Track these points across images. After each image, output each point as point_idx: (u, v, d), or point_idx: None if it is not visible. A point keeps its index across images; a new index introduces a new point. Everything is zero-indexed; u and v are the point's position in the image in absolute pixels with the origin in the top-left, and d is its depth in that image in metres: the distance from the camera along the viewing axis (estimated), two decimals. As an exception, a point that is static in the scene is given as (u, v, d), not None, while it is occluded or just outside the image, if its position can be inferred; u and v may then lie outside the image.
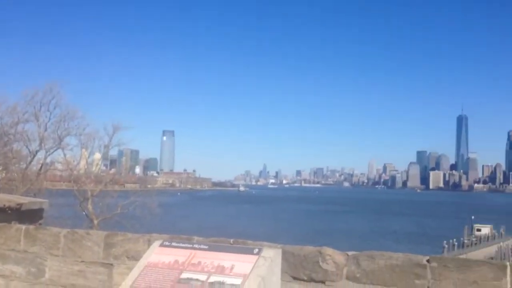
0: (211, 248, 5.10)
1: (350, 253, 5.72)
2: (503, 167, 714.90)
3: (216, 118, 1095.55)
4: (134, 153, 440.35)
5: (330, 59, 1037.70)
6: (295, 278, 5.78)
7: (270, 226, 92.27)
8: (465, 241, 75.64)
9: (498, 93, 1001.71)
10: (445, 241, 66.85)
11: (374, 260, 5.55)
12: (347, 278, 5.59)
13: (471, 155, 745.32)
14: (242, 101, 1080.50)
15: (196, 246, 5.22)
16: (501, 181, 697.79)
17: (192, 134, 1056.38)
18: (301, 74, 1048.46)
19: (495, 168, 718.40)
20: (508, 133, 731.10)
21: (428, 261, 5.37)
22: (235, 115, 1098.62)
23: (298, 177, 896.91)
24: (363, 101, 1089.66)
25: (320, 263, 5.68)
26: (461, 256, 43.96)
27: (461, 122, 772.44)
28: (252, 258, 4.80)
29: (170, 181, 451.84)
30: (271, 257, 4.80)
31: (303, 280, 5.73)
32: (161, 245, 5.34)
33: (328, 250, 5.76)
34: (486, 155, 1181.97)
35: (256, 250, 4.89)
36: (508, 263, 5.19)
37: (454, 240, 69.39)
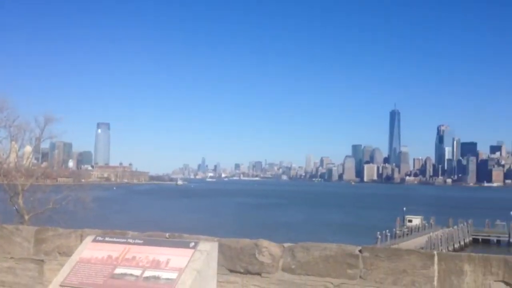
0: (146, 243, 5.03)
1: (286, 245, 5.81)
2: (433, 160, 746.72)
3: (154, 111, 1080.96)
4: (67, 146, 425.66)
5: (267, 54, 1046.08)
6: (231, 271, 5.80)
7: (208, 219, 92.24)
8: (398, 231, 78.51)
9: (428, 89, 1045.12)
10: (378, 232, 69.01)
11: (309, 251, 5.66)
12: (283, 269, 5.68)
13: (403, 149, 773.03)
14: (180, 94, 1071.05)
15: (130, 240, 5.13)
16: (431, 173, 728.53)
17: (128, 127, 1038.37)
18: (239, 68, 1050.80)
19: (425, 162, 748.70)
20: (438, 127, 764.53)
21: (360, 251, 5.53)
22: (173, 108, 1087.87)
23: (237, 171, 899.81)
24: (301, 96, 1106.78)
25: (257, 255, 5.74)
26: (393, 246, 45.63)
27: (393, 117, 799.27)
28: (188, 252, 4.77)
29: (105, 175, 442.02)
30: (207, 250, 4.78)
31: (240, 273, 5.77)
32: (94, 240, 5.22)
33: (265, 243, 5.82)
34: (417, 148, 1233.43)
35: (192, 244, 4.87)
36: (435, 252, 5.42)
37: (387, 231, 71.79)
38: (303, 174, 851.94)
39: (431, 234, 74.32)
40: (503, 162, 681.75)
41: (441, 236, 74.53)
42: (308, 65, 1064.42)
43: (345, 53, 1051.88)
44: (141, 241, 5.06)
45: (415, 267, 5.33)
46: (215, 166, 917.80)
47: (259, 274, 5.71)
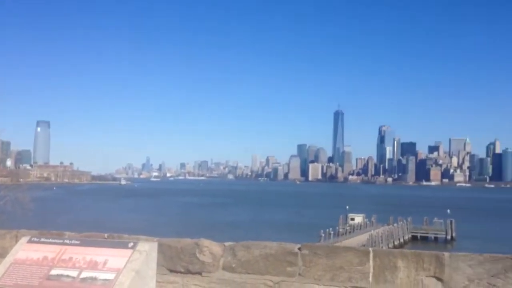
0: (83, 243, 4.95)
1: (227, 244, 5.85)
2: (375, 160, 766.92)
3: (96, 109, 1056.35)
4: (5, 145, 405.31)
5: (210, 51, 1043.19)
6: (172, 271, 5.79)
7: (151, 219, 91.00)
8: (340, 229, 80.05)
9: (370, 90, 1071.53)
10: (322, 230, 70.17)
11: (250, 249, 5.72)
12: (224, 268, 5.72)
13: (346, 149, 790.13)
14: (123, 92, 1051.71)
15: (67, 241, 5.04)
16: (373, 173, 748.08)
17: (69, 125, 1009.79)
18: (184, 65, 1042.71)
19: (367, 161, 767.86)
20: (379, 128, 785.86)
21: (299, 249, 5.65)
22: (116, 106, 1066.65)
23: (183, 170, 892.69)
24: (246, 95, 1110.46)
25: (197, 255, 5.75)
26: (336, 244, 46.54)
27: (337, 118, 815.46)
28: (126, 252, 4.73)
29: (45, 175, 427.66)
30: (146, 250, 4.76)
31: (180, 273, 5.77)
32: (29, 241, 5.10)
33: (205, 242, 5.84)
34: (360, 148, 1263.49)
35: (131, 244, 4.83)
36: (371, 249, 5.61)
37: (330, 229, 73.12)
38: (249, 173, 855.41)
39: (372, 232, 76.27)
40: (440, 162, 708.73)
41: (381, 233, 76.63)
42: (254, 64, 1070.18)
43: (290, 53, 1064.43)
44: (78, 242, 4.98)
45: (351, 263, 5.49)
46: (160, 166, 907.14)
47: (199, 273, 5.73)
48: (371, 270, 5.44)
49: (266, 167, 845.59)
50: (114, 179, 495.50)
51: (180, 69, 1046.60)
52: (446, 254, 5.36)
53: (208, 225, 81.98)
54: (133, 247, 4.77)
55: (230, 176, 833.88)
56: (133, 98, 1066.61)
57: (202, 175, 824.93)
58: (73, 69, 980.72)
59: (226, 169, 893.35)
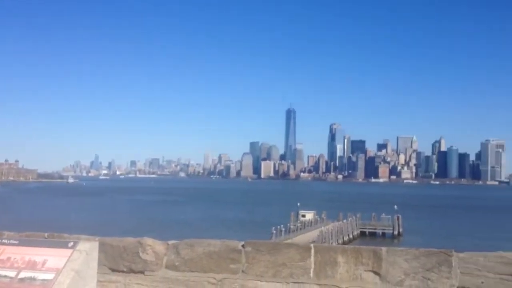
0: (22, 243, 4.87)
1: (170, 242, 5.86)
2: (326, 158, 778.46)
3: (43, 105, 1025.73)
4: None
5: (165, 49, 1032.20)
6: (114, 270, 5.75)
7: (97, 218, 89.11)
8: (292, 226, 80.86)
9: (322, 89, 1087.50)
10: (273, 228, 70.63)
11: (193, 247, 5.76)
12: (167, 267, 5.73)
13: (298, 146, 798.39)
14: (71, 88, 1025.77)
15: (5, 241, 4.93)
16: (324, 170, 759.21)
17: (14, 121, 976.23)
18: (135, 62, 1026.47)
19: (318, 159, 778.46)
20: (330, 126, 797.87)
21: (243, 246, 5.73)
22: (64, 102, 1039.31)
23: (133, 168, 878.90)
24: (199, 93, 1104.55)
25: (140, 254, 5.74)
26: (287, 241, 46.96)
27: (289, 116, 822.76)
28: (66, 252, 4.68)
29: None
30: (86, 250, 4.71)
31: (123, 272, 5.74)
32: (-35, 242, 4.95)
33: (149, 241, 5.83)
34: (311, 146, 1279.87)
35: (71, 244, 4.77)
36: (312, 245, 5.75)
37: (282, 226, 73.67)
38: (201, 171, 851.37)
39: (322, 228, 77.39)
40: (388, 159, 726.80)
41: (331, 229, 77.88)
42: (206, 62, 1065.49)
43: (243, 52, 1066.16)
44: (17, 242, 4.89)
45: (293, 259, 5.62)
46: (109, 163, 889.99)
47: (142, 272, 5.72)
48: (312, 265, 5.58)
49: (218, 165, 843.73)
50: (61, 177, 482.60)
51: (130, 66, 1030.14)
52: (384, 249, 5.57)
53: (158, 224, 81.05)
54: (73, 247, 4.72)
55: (182, 174, 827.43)
56: (81, 94, 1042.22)
57: (153, 173, 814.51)
58: (17, 64, 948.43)
59: (178, 167, 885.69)
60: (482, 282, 5.25)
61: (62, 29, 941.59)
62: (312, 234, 74.83)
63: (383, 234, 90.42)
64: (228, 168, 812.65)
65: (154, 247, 5.77)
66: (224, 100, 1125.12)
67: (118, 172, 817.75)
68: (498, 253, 5.31)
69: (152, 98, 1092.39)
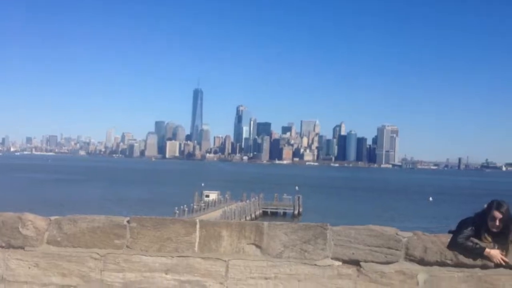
0: None
1: (52, 218, 5.79)
2: (232, 139, 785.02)
3: None
4: None
5: (69, 21, 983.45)
6: (-9, 245, 5.59)
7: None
8: (195, 206, 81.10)
9: (230, 70, 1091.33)
10: (176, 207, 70.45)
11: (77, 223, 5.72)
12: (48, 242, 5.66)
13: (204, 127, 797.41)
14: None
15: None
16: (230, 151, 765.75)
17: None
18: (37, 37, 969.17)
19: (225, 140, 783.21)
20: (237, 107, 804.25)
21: (128, 221, 5.78)
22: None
23: (29, 145, 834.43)
24: (102, 69, 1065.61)
25: (20, 229, 5.63)
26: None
27: (197, 95, 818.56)
28: None
29: None
30: (-42, 224, 4.54)
31: (1, 247, 5.62)
32: None
33: (29, 216, 5.74)
34: (218, 127, 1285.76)
35: None
36: (197, 220, 5.93)
37: (185, 206, 73.68)
38: (103, 149, 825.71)
39: (225, 208, 78.37)
40: (292, 142, 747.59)
41: (234, 209, 79.11)
42: (113, 37, 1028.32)
43: (152, 30, 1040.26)
44: None
45: (179, 234, 5.76)
46: (3, 139, 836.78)
47: (22, 248, 5.62)
48: (197, 240, 5.76)
49: (121, 144, 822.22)
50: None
51: (29, 37, 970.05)
52: (266, 223, 5.88)
53: (51, 202, 77.42)
54: None
55: (82, 153, 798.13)
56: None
57: (51, 151, 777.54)
58: None
59: (78, 145, 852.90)
60: (353, 253, 5.70)
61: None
62: (215, 213, 75.53)
63: (284, 213, 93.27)
64: (131, 147, 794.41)
65: (35, 222, 5.67)
66: (129, 77, 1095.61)
67: (12, 149, 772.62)
68: (367, 226, 5.79)
69: (49, 71, 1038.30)
